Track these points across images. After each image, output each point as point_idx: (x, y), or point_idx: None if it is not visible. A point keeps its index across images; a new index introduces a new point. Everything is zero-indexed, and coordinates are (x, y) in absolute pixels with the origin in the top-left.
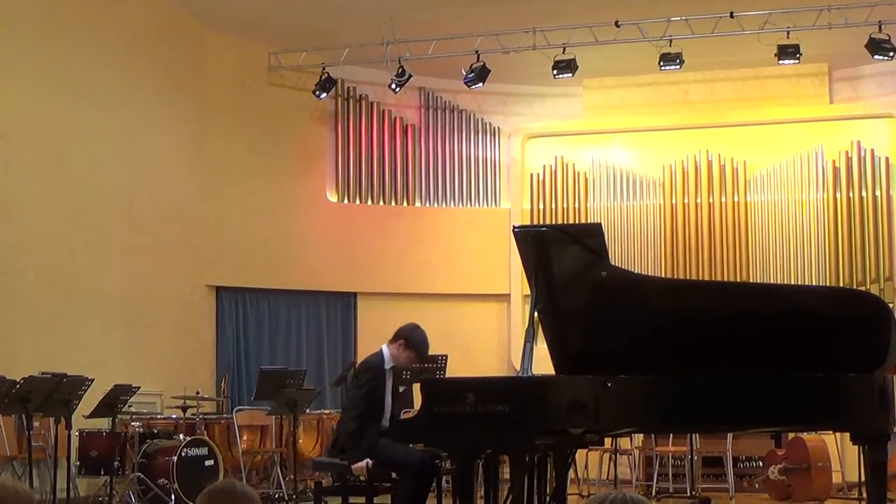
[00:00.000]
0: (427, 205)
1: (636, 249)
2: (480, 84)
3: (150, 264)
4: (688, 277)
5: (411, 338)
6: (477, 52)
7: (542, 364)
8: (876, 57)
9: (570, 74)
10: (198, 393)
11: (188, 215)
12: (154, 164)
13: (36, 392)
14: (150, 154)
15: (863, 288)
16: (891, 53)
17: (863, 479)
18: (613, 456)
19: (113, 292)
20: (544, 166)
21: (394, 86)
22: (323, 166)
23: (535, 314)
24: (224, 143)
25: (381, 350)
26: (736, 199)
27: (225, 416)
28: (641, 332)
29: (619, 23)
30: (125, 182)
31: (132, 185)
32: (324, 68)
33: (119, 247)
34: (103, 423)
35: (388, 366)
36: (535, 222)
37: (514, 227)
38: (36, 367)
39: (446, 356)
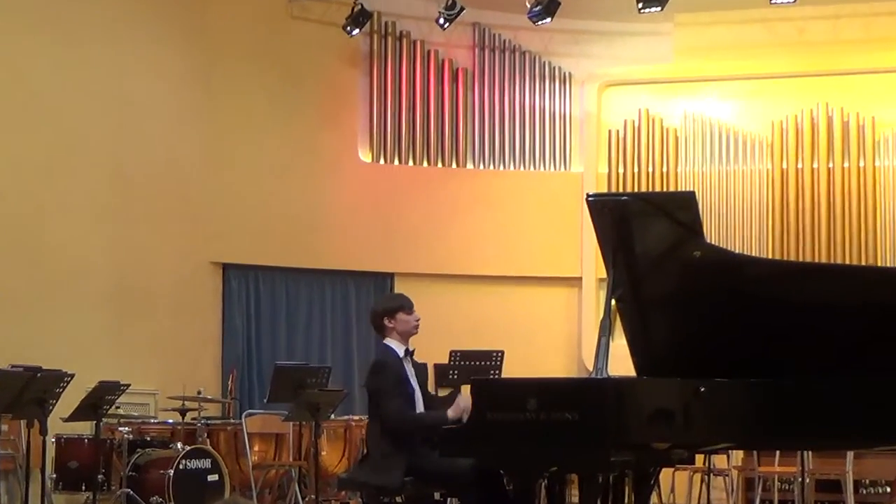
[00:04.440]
0: (481, 167)
1: (738, 224)
2: (548, 19)
3: (142, 236)
4: (801, 259)
5: (386, 305)
6: None
7: (621, 363)
8: None
9: (659, 8)
10: (199, 393)
11: (189, 176)
12: (147, 114)
13: (4, 389)
14: (143, 101)
15: None
16: None
17: None
18: (706, 477)
19: (97, 269)
20: (625, 121)
21: (442, 21)
22: (354, 119)
23: (613, 302)
24: (234, 89)
25: (383, 345)
26: (862, 164)
27: (232, 421)
28: (743, 326)
29: None
30: (112, 136)
31: (120, 140)
32: None
33: (104, 214)
34: (85, 428)
35: (401, 353)
36: (614, 190)
37: (588, 196)
38: (3, 360)
39: (502, 352)
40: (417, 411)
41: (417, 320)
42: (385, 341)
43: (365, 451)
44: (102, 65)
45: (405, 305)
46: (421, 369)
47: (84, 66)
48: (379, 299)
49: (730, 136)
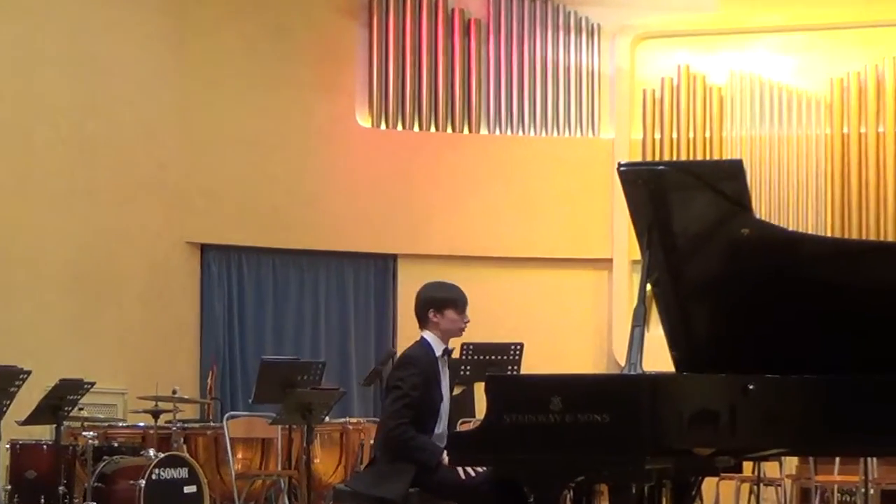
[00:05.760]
0: (496, 132)
1: (792, 197)
2: None
3: (109, 213)
4: (864, 237)
5: (434, 294)
6: None
7: (657, 356)
8: None
9: None
10: (174, 392)
11: (162, 146)
12: (113, 74)
13: None
14: (107, 59)
15: None
16: None
17: None
18: (756, 487)
19: (56, 251)
20: (663, 80)
21: None
22: (352, 78)
23: (648, 287)
24: (212, 45)
25: (421, 338)
26: None
27: (212, 424)
28: (797, 314)
29: None
30: (71, 98)
31: (82, 103)
32: None
33: (65, 189)
34: (44, 433)
35: (438, 352)
36: (649, 158)
37: (620, 165)
38: None
39: (522, 345)
40: (436, 424)
41: (466, 323)
42: (424, 334)
43: (372, 455)
44: (61, 19)
45: (458, 302)
46: (454, 371)
47: (39, 20)
48: (429, 285)
49: (782, 95)
